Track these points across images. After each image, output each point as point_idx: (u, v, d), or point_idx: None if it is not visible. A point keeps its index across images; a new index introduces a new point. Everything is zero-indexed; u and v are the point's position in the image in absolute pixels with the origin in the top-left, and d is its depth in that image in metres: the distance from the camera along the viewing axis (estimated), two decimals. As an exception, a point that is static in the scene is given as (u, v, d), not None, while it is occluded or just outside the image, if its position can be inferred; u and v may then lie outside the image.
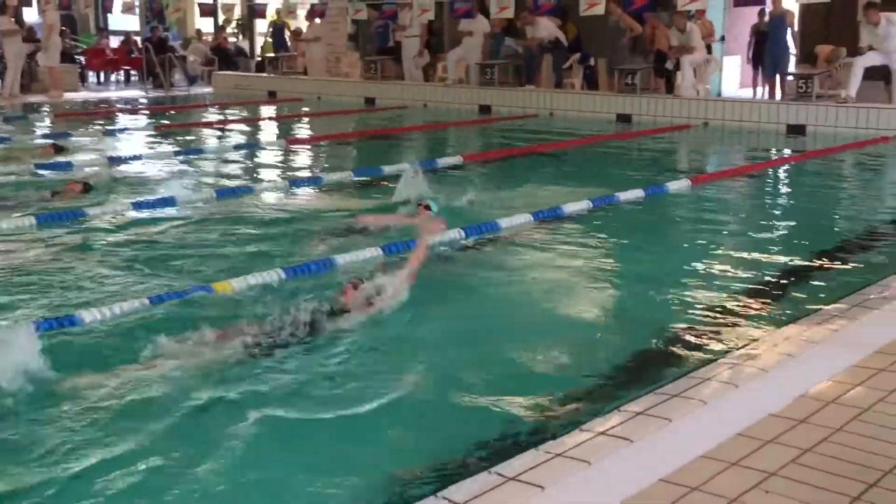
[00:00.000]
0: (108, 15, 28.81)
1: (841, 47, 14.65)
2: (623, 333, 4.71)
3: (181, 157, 10.92)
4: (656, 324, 4.81)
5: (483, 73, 17.14)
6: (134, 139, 12.96)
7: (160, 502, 3.03)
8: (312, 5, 21.42)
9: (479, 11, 17.70)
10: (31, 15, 24.96)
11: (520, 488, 2.76)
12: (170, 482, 3.13)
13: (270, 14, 25.63)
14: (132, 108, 17.95)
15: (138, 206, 7.83)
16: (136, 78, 24.16)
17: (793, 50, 15.33)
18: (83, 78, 23.54)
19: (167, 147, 11.88)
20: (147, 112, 17.27)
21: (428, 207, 7.08)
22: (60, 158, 10.38)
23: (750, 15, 16.73)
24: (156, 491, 3.08)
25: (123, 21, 28.40)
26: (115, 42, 26.69)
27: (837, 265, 6.02)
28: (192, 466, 3.23)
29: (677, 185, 8.72)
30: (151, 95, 20.68)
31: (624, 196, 8.07)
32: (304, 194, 8.79)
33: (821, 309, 4.68)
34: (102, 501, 3.05)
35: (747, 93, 16.75)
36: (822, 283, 5.54)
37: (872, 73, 13.69)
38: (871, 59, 13.32)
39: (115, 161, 10.45)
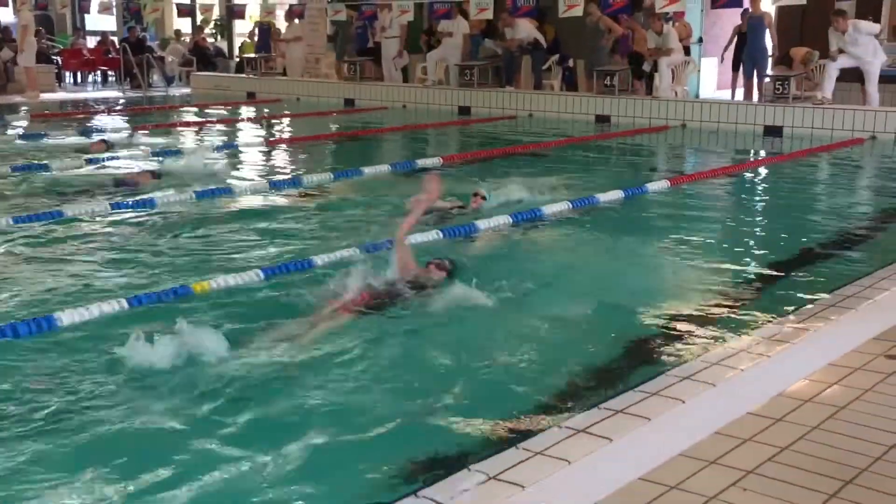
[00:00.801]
0: (85, 15, 28.61)
1: (815, 50, 14.80)
2: (602, 333, 4.72)
3: (159, 158, 10.86)
4: (635, 323, 4.84)
5: (462, 75, 17.15)
6: (110, 139, 12.86)
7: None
8: (291, 6, 21.34)
9: (459, 13, 17.72)
10: (6, 15, 24.78)
11: (500, 487, 2.77)
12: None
13: (251, 14, 25.52)
14: (109, 108, 17.83)
15: (116, 206, 7.79)
16: (114, 78, 24.00)
17: (771, 52, 15.45)
18: (60, 78, 23.37)
19: (144, 147, 11.80)
20: (124, 113, 17.17)
21: (484, 197, 7.70)
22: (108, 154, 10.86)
23: (728, 17, 16.83)
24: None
25: (100, 21, 28.22)
26: (92, 42, 26.51)
27: (813, 266, 6.07)
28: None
29: (656, 186, 8.77)
30: (129, 96, 20.55)
31: (603, 197, 8.10)
32: (284, 195, 8.77)
33: (797, 309, 4.72)
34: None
35: (725, 94, 16.85)
36: (799, 284, 5.58)
37: (848, 75, 13.84)
38: (843, 62, 13.50)
39: (92, 162, 10.39)
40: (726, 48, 15.95)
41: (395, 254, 5.34)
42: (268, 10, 22.33)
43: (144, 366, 4.09)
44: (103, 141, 11.74)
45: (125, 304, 4.92)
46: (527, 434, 3.21)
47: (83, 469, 3.22)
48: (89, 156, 10.69)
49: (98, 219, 7.42)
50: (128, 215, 7.58)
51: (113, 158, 10.63)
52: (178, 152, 11.08)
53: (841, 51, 13.42)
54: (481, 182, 8.52)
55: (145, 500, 3.04)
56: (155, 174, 9.27)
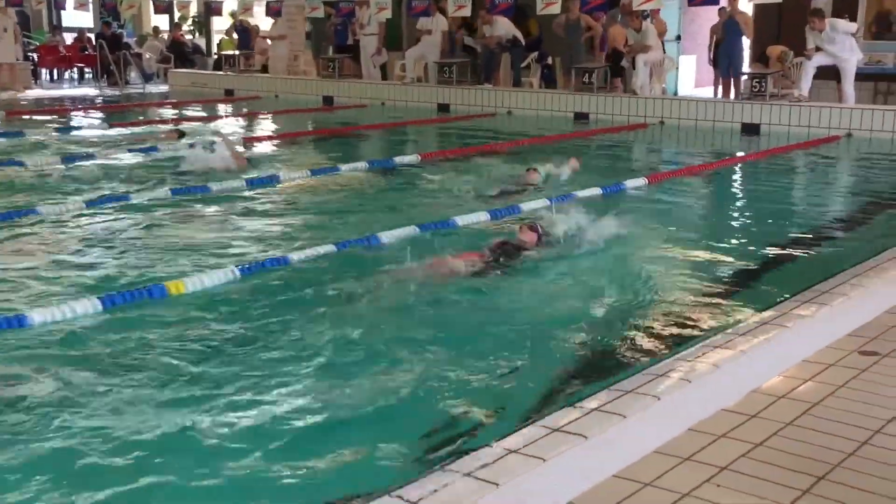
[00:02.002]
0: (62, 12, 28.39)
1: (790, 49, 14.91)
2: (577, 330, 4.72)
3: (136, 155, 10.79)
4: (610, 320, 4.85)
5: (441, 72, 17.14)
6: (86, 137, 12.78)
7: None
8: (269, 3, 21.25)
9: (438, 10, 17.71)
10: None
11: (474, 485, 2.76)
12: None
13: (229, 12, 25.40)
14: (85, 105, 17.71)
15: (91, 204, 7.73)
16: (91, 75, 23.84)
17: (747, 50, 15.56)
18: (36, 76, 23.17)
19: (120, 145, 11.73)
20: (101, 110, 17.05)
21: (537, 171, 8.66)
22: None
23: (706, 14, 16.89)
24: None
25: (77, 18, 28.02)
26: (69, 39, 26.31)
27: (789, 262, 6.10)
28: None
29: (634, 183, 8.79)
30: (106, 93, 20.41)
31: (581, 194, 8.11)
32: (262, 192, 8.72)
33: (772, 305, 4.73)
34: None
35: (703, 92, 16.92)
36: (774, 281, 5.61)
37: (824, 73, 13.93)
38: (820, 60, 13.59)
39: (68, 160, 10.31)
40: (710, 48, 16.01)
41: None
42: (245, 7, 22.22)
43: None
44: (177, 130, 12.43)
45: (98, 304, 4.88)
46: (501, 432, 3.20)
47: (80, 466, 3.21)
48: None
49: (73, 217, 7.36)
50: (104, 213, 7.53)
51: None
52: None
53: (818, 49, 13.51)
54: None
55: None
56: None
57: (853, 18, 14.57)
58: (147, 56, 23.85)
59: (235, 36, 23.18)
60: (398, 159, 10.59)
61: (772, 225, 7.35)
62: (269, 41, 21.56)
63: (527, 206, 7.56)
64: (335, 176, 9.56)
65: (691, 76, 18.77)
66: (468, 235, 6.64)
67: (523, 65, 17.04)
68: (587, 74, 15.30)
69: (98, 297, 4.95)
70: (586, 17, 15.85)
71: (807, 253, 6.36)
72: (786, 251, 6.41)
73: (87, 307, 4.84)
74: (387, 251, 6.24)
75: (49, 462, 3.26)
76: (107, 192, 8.39)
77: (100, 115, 16.35)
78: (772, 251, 6.40)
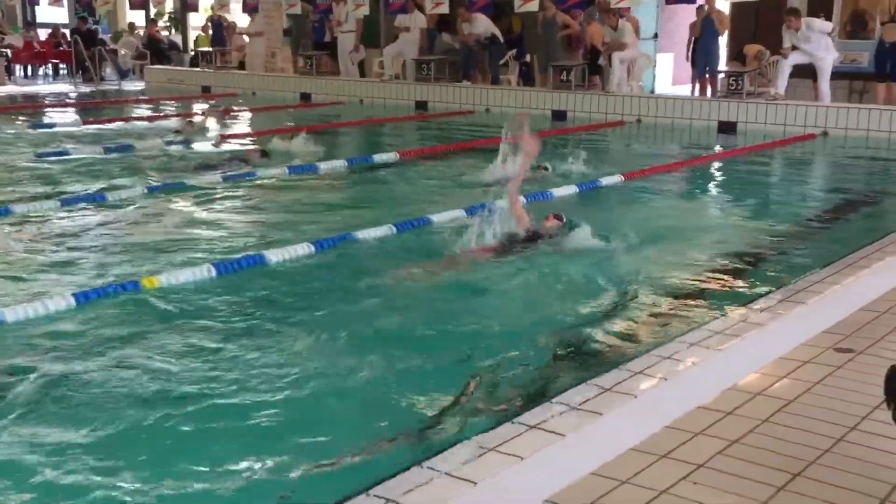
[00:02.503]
0: (36, 7, 28.13)
1: (766, 48, 15.01)
2: (554, 329, 4.73)
3: (111, 153, 10.71)
4: (587, 319, 4.86)
5: (419, 69, 17.11)
6: (61, 134, 12.68)
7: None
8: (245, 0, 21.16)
9: (416, 7, 17.68)
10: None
11: (452, 483, 2.75)
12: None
13: (205, 7, 25.25)
14: (60, 102, 17.56)
15: (66, 202, 7.66)
16: (66, 72, 23.64)
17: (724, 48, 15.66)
18: (9, 72, 22.94)
19: (96, 142, 11.63)
20: (76, 106, 16.91)
21: (546, 168, 8.95)
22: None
23: (684, 13, 16.97)
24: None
25: (51, 13, 27.77)
26: (43, 35, 26.07)
27: (764, 260, 6.13)
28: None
29: (610, 181, 8.81)
30: (81, 90, 20.25)
31: (557, 192, 8.12)
32: (239, 188, 8.68)
33: (748, 303, 4.76)
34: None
35: (681, 90, 16.99)
36: (749, 278, 5.64)
37: (800, 72, 14.02)
38: (796, 59, 13.69)
39: (42, 156, 10.22)
40: (688, 46, 16.07)
41: (512, 209, 6.19)
42: (221, 4, 22.09)
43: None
44: (191, 122, 12.94)
45: (71, 301, 4.84)
46: (479, 430, 3.19)
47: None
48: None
49: (49, 215, 7.30)
50: (78, 210, 7.47)
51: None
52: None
53: (794, 48, 13.61)
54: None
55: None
56: (264, 152, 10.13)
57: (828, 18, 14.68)
58: (122, 52, 23.67)
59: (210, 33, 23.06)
60: (377, 157, 10.56)
61: (748, 223, 7.38)
62: (246, 38, 21.46)
63: (501, 203, 7.55)
64: (312, 173, 9.53)
65: (669, 74, 18.84)
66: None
67: (501, 62, 17.04)
68: (565, 72, 15.32)
69: (72, 294, 4.91)
70: (562, 15, 15.87)
71: (782, 251, 6.40)
72: (761, 249, 6.44)
73: (61, 304, 4.79)
74: (365, 247, 6.24)
75: (12, 464, 3.22)
76: (82, 189, 8.32)
77: (74, 111, 16.21)
78: (748, 249, 6.43)
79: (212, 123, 13.18)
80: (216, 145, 11.44)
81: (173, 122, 13.54)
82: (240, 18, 22.91)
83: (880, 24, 14.05)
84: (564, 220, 6.33)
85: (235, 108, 16.55)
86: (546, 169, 8.97)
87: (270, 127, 13.56)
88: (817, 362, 3.74)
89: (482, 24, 16.59)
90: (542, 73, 16.35)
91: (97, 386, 3.88)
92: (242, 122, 15.22)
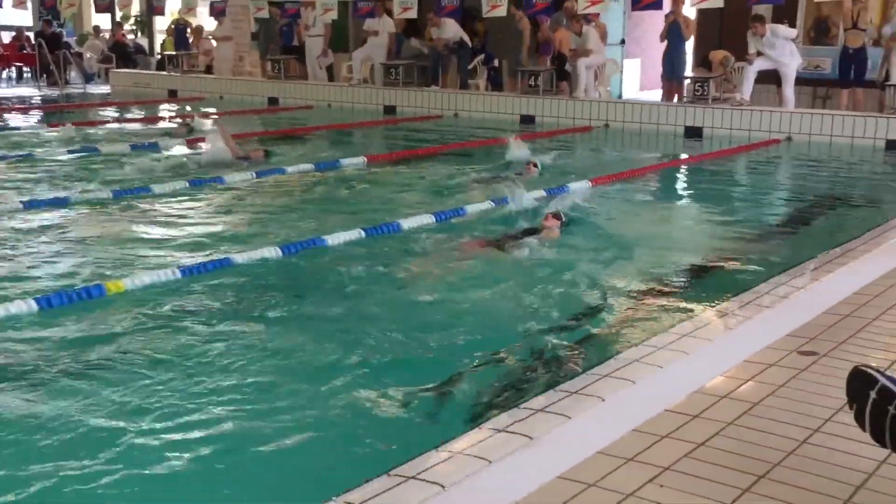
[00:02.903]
0: (-1, 10, 27.81)
1: (731, 54, 15.17)
2: (521, 331, 4.74)
3: (76, 156, 10.61)
4: (553, 322, 4.87)
5: (388, 74, 17.10)
6: (25, 138, 12.54)
7: None
8: (213, 3, 21.02)
9: (384, 12, 17.68)
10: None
11: (420, 488, 2.74)
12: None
13: (171, 11, 25.07)
14: (24, 106, 17.36)
15: (29, 205, 7.58)
16: (29, 75, 23.38)
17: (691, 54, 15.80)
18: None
19: (61, 146, 11.52)
20: (40, 110, 16.73)
21: (536, 165, 9.43)
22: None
23: (651, 19, 17.09)
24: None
25: (15, 16, 27.43)
26: (6, 38, 25.78)
27: (730, 264, 6.18)
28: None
29: (577, 186, 8.84)
30: (45, 93, 20.04)
31: (525, 196, 8.12)
32: (203, 193, 8.63)
33: (714, 307, 4.80)
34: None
35: (647, 95, 17.11)
36: (715, 282, 5.69)
37: (765, 78, 14.18)
38: (761, 64, 13.84)
39: (3, 159, 10.11)
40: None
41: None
42: (188, 7, 21.95)
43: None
44: (185, 124, 13.27)
45: (33, 305, 4.78)
46: (446, 435, 3.19)
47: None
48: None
49: (9, 217, 7.22)
50: (42, 215, 7.39)
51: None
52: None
53: (759, 53, 13.76)
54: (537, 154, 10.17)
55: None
56: (267, 152, 10.41)
57: (792, 24, 14.85)
58: (88, 56, 23.46)
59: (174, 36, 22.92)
60: (345, 161, 10.54)
61: (713, 227, 7.45)
62: (213, 42, 21.34)
63: (472, 208, 7.58)
64: (280, 177, 9.50)
65: (636, 80, 18.97)
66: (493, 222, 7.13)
67: (470, 67, 17.08)
68: (533, 77, 15.38)
69: (34, 299, 4.85)
70: (524, 21, 15.95)
71: (747, 255, 6.45)
72: (727, 253, 6.50)
73: (22, 308, 4.73)
74: (332, 251, 6.22)
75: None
76: (45, 193, 8.24)
77: (38, 115, 16.04)
78: (713, 253, 6.48)
79: (204, 125, 13.11)
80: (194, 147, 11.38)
81: (172, 125, 13.57)
82: (207, 22, 22.77)
83: (843, 30, 14.23)
84: (564, 219, 6.65)
85: (205, 111, 16.45)
86: (536, 166, 9.41)
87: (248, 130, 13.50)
88: (782, 365, 3.77)
89: (451, 29, 16.62)
90: (511, 78, 16.40)
91: (59, 392, 3.84)
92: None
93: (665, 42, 15.49)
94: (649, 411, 3.30)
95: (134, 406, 3.72)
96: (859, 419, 2.68)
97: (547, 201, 7.48)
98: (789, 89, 13.86)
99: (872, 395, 2.57)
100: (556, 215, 6.61)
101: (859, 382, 2.66)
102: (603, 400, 3.41)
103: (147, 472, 3.19)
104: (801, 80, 14.34)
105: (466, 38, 16.74)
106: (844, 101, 14.09)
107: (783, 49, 13.66)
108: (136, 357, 4.26)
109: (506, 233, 6.50)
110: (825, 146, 12.50)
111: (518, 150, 10.38)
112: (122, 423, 3.55)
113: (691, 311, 4.91)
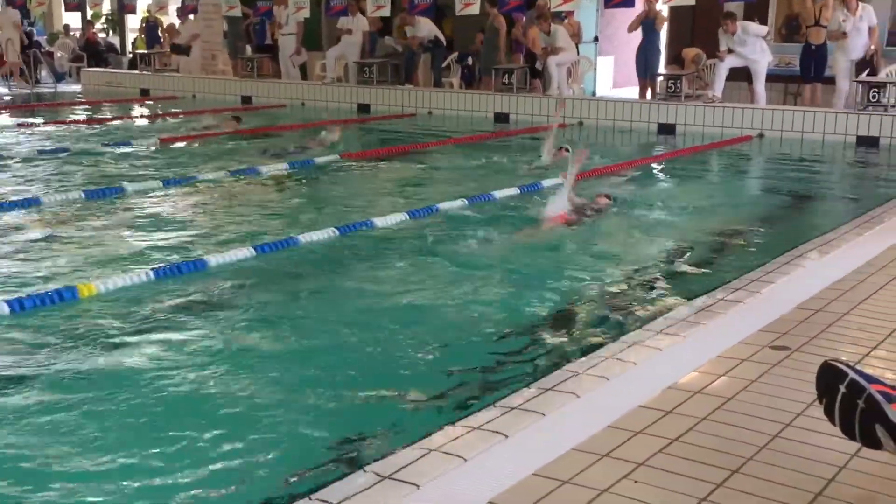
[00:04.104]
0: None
1: (703, 52, 15.27)
2: (496, 328, 4.75)
3: (47, 157, 10.52)
4: (528, 319, 4.89)
5: (362, 72, 17.07)
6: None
7: None
8: (184, 1, 20.88)
9: (358, 10, 17.64)
10: None
11: (395, 487, 2.75)
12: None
13: (142, 9, 24.89)
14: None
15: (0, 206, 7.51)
16: (-1, 74, 23.14)
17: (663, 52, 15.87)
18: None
19: (32, 146, 11.41)
20: (10, 109, 16.55)
21: (567, 150, 9.81)
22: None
23: (624, 17, 17.15)
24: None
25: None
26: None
27: (702, 260, 6.22)
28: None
29: (552, 183, 8.86)
30: (15, 92, 19.84)
31: (499, 194, 8.16)
32: (178, 193, 8.58)
33: (688, 302, 4.83)
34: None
35: (621, 93, 17.18)
36: (689, 278, 5.72)
37: (737, 75, 14.28)
38: (732, 62, 13.93)
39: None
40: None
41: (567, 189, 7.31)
42: (160, 5, 21.78)
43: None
44: (235, 117, 13.71)
45: (5, 308, 4.74)
46: (420, 432, 3.19)
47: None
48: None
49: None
50: (12, 216, 7.32)
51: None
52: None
53: (730, 51, 13.85)
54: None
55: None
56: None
57: (763, 21, 14.96)
58: (58, 55, 23.24)
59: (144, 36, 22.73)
60: (318, 159, 10.52)
61: (685, 223, 7.49)
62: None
63: (446, 205, 7.60)
64: (254, 176, 9.46)
65: (609, 77, 19.04)
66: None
67: (444, 65, 17.07)
68: (506, 75, 15.40)
69: (5, 301, 4.81)
70: (499, 19, 15.97)
71: (720, 250, 6.50)
72: (699, 249, 6.54)
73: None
74: (305, 251, 6.21)
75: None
76: (15, 193, 8.16)
77: (7, 114, 15.88)
78: (685, 249, 6.52)
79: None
80: None
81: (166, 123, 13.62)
82: (178, 23, 22.59)
83: (806, 27, 14.34)
84: (611, 198, 7.75)
85: (176, 110, 16.35)
86: (567, 150, 9.78)
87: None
88: (754, 360, 3.80)
89: (425, 28, 16.61)
90: (486, 76, 16.42)
91: (31, 393, 3.80)
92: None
93: (638, 34, 15.57)
94: (623, 407, 3.32)
95: (106, 409, 3.69)
96: (829, 413, 2.71)
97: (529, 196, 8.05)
98: (761, 86, 13.96)
99: (842, 389, 2.60)
100: (607, 196, 7.77)
101: (829, 377, 2.68)
102: (577, 396, 3.42)
103: (114, 475, 3.17)
104: (772, 77, 14.44)
105: (441, 37, 16.73)
106: (807, 96, 14.25)
107: (754, 46, 13.76)
108: (108, 359, 4.23)
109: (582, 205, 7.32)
110: (797, 142, 12.60)
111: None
112: (92, 427, 3.52)
113: (664, 307, 4.94)
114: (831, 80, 13.89)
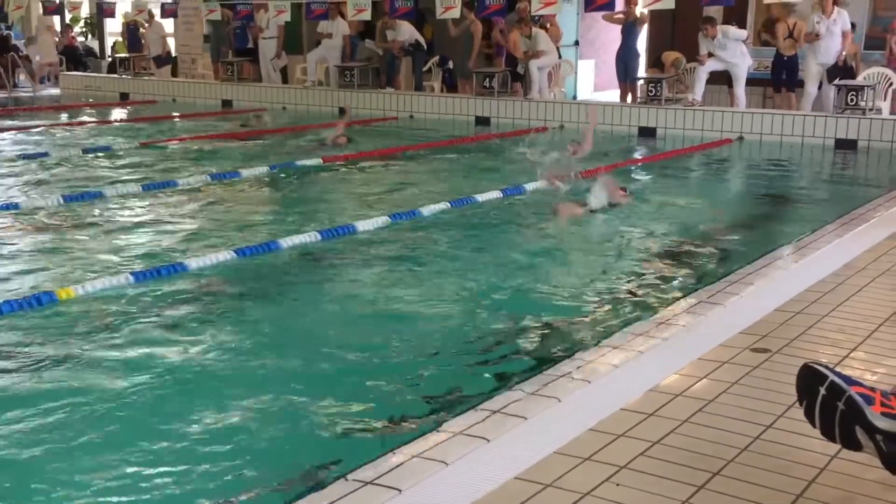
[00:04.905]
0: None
1: (683, 55, 15.34)
2: (478, 332, 4.75)
3: (26, 161, 10.45)
4: (510, 323, 4.89)
5: (343, 76, 17.04)
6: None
7: None
8: (164, 5, 20.77)
9: (339, 14, 17.60)
10: None
11: (377, 492, 2.74)
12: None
13: (122, 12, 24.74)
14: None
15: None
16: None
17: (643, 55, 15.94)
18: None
19: (10, 150, 11.33)
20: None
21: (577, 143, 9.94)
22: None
23: (605, 21, 17.18)
24: None
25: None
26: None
27: (683, 263, 6.24)
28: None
29: (534, 186, 8.87)
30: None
31: (482, 197, 8.16)
32: (157, 197, 8.53)
33: (668, 305, 4.84)
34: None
35: (601, 96, 17.22)
36: (669, 281, 5.74)
37: (717, 78, 14.35)
38: (712, 66, 14.01)
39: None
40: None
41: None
42: (139, 9, 21.67)
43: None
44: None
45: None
46: (402, 437, 3.19)
47: None
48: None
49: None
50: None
51: None
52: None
53: (710, 54, 13.92)
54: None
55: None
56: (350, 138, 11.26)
57: (742, 25, 15.03)
58: (37, 58, 23.08)
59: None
60: (300, 162, 10.49)
61: (666, 225, 7.51)
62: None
63: (427, 209, 7.59)
64: (235, 180, 9.42)
65: (590, 80, 19.09)
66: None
67: (425, 69, 17.07)
68: (488, 79, 15.42)
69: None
70: (476, 25, 15.98)
71: (700, 253, 6.53)
72: (680, 251, 6.56)
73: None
74: (288, 254, 6.19)
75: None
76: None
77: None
78: (667, 252, 6.54)
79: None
80: None
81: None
82: (164, 24, 22.47)
83: (782, 38, 14.41)
84: (628, 191, 8.27)
85: (153, 114, 16.27)
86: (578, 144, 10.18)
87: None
88: (735, 363, 3.82)
89: (406, 31, 16.60)
90: (464, 79, 16.43)
91: (7, 400, 3.77)
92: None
93: (618, 38, 15.62)
94: (605, 410, 3.32)
95: (84, 414, 3.66)
96: (809, 415, 2.72)
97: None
98: (740, 89, 14.04)
99: (822, 391, 2.61)
100: (623, 188, 8.27)
101: (809, 379, 2.69)
102: (559, 400, 3.43)
103: (94, 478, 3.14)
104: (751, 81, 14.52)
105: (422, 40, 16.73)
106: (778, 102, 14.39)
107: (734, 50, 13.83)
108: (88, 364, 4.20)
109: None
110: (776, 145, 12.67)
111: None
112: (70, 431, 3.50)
113: (645, 310, 4.95)
114: (802, 85, 14.02)
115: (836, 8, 13.43)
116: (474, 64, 16.11)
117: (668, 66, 15.51)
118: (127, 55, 21.27)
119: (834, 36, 13.46)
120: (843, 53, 13.66)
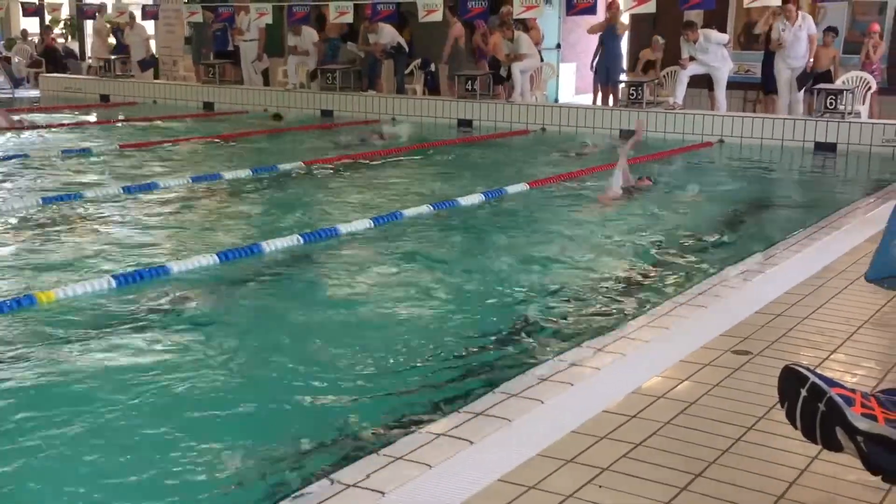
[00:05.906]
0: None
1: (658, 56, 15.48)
2: (460, 334, 4.76)
3: (4, 163, 10.37)
4: (493, 324, 4.89)
5: (324, 79, 17.02)
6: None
7: None
8: (144, 6, 20.67)
9: (315, 19, 17.59)
10: None
11: (360, 495, 2.74)
12: None
13: (104, 15, 24.60)
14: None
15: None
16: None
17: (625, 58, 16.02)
18: None
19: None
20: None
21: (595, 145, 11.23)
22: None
23: (586, 24, 17.24)
24: None
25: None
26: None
27: (665, 266, 6.26)
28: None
29: (515, 188, 8.90)
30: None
31: (464, 200, 8.17)
32: (138, 199, 8.49)
33: (651, 308, 4.86)
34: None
35: (582, 99, 17.27)
36: (652, 284, 5.76)
37: (698, 82, 14.43)
38: (694, 69, 14.09)
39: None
40: (594, 57, 16.35)
41: (620, 169, 8.58)
42: (120, 11, 21.56)
43: None
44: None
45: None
46: (386, 440, 3.18)
47: None
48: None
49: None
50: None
51: None
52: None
53: (692, 58, 14.01)
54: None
55: None
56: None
57: (722, 29, 15.13)
58: (16, 60, 22.95)
59: (112, 40, 22.41)
60: (282, 166, 10.47)
61: (647, 229, 7.53)
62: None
63: (409, 211, 7.59)
64: (217, 182, 9.39)
65: (572, 84, 19.14)
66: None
67: (407, 71, 17.07)
68: (470, 81, 15.44)
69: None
70: (456, 29, 16.00)
71: (681, 256, 6.55)
72: (661, 255, 6.58)
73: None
74: (270, 258, 6.17)
75: None
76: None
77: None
78: (649, 254, 6.56)
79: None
80: None
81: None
82: (146, 26, 22.36)
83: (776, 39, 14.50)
84: (652, 179, 9.18)
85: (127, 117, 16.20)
86: (587, 145, 11.09)
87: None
88: (716, 365, 3.84)
89: (388, 34, 16.60)
90: (450, 82, 16.45)
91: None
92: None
93: (594, 34, 15.69)
94: (587, 412, 3.33)
95: (65, 418, 3.64)
96: (791, 416, 2.73)
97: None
98: (721, 93, 14.13)
99: (803, 392, 2.62)
100: (648, 178, 9.13)
101: (790, 381, 2.71)
102: (542, 402, 3.43)
103: (79, 482, 3.12)
104: (731, 84, 14.62)
105: (404, 43, 16.73)
106: (765, 105, 14.52)
107: (716, 54, 13.92)
108: (69, 368, 4.17)
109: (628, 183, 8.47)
110: (756, 148, 12.75)
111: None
112: (54, 435, 3.47)
113: (627, 312, 4.97)
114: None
115: (800, 13, 13.58)
116: (446, 60, 16.14)
117: (643, 61, 15.61)
118: (108, 56, 21.15)
119: (800, 40, 13.61)
120: (811, 60, 13.79)
